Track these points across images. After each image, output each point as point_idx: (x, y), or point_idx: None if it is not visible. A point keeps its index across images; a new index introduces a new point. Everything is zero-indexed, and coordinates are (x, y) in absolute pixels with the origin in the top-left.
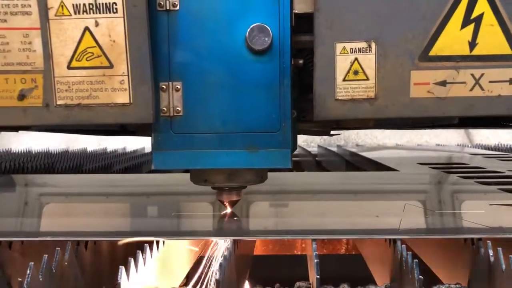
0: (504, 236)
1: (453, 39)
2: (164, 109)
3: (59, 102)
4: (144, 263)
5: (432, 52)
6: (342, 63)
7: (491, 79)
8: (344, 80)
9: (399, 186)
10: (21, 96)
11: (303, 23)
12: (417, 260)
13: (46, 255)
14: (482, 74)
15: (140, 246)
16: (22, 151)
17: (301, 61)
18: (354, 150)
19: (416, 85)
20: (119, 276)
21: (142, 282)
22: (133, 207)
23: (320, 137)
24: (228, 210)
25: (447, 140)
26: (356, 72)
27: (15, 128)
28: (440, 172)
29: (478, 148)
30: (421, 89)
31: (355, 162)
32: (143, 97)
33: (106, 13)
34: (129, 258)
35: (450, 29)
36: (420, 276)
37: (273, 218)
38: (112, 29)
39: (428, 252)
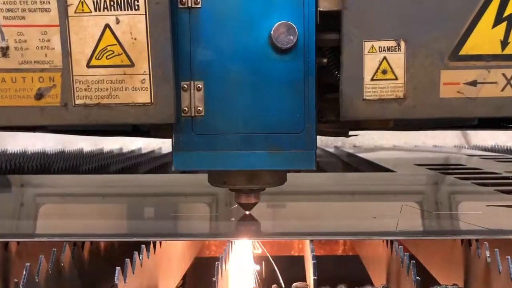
0: (501, 237)
1: (484, 38)
2: (185, 109)
3: (77, 102)
4: (141, 264)
5: (463, 51)
6: (370, 62)
7: None
8: (372, 79)
9: (396, 187)
10: (39, 95)
11: (327, 21)
12: (414, 261)
13: (43, 256)
14: None
15: (137, 246)
16: (18, 151)
17: (324, 60)
18: (351, 151)
19: (446, 85)
20: (115, 277)
21: (138, 283)
22: (130, 208)
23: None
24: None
25: (444, 141)
26: (384, 71)
27: (32, 128)
28: (437, 173)
29: (475, 149)
30: (450, 89)
31: (352, 163)
32: (164, 96)
33: (128, 10)
34: (126, 259)
35: (481, 27)
36: (418, 277)
37: (270, 218)
38: (134, 27)
39: (425, 253)
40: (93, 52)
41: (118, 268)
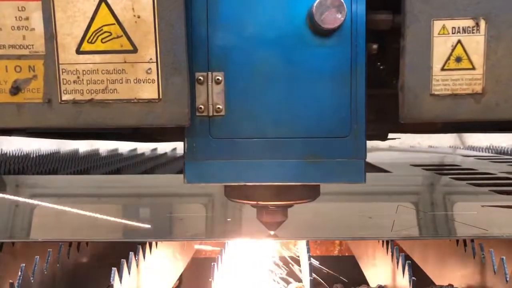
0: (496, 237)
1: None
2: (201, 107)
3: (65, 97)
4: (137, 265)
5: None
6: (441, 47)
7: None
8: (442, 69)
9: (392, 188)
10: (15, 89)
11: None
12: (409, 261)
13: (38, 257)
14: None
15: (132, 247)
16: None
17: (375, 46)
18: None
19: None
20: (111, 278)
21: (134, 284)
22: (126, 208)
23: None
24: (271, 232)
25: (440, 142)
26: (458, 59)
27: (7, 131)
28: (432, 174)
29: (470, 150)
30: None
31: None
32: (176, 91)
33: None
34: (122, 259)
35: None
36: (413, 277)
37: None
38: (137, 1)
39: (421, 253)
40: (84, 34)
41: (114, 268)
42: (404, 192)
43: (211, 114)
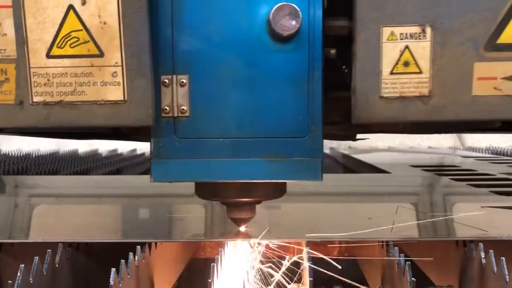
0: (495, 238)
1: None
2: (166, 109)
3: (36, 99)
4: (136, 265)
5: (501, 40)
6: (390, 52)
7: None
8: (391, 73)
9: (392, 188)
10: None
11: (335, 5)
12: (409, 262)
13: (37, 257)
14: None
15: (132, 248)
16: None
17: (333, 51)
18: (346, 152)
19: (480, 80)
20: (110, 278)
21: (134, 284)
22: (125, 209)
23: None
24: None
25: (439, 142)
26: (406, 64)
27: None
28: (432, 175)
29: (470, 150)
30: (486, 85)
31: (347, 164)
32: (140, 93)
33: None
34: (121, 260)
35: None
36: (413, 278)
37: (265, 220)
38: (103, 8)
39: (420, 254)
40: (54, 39)
41: (113, 269)
42: (403, 192)
43: (176, 115)
